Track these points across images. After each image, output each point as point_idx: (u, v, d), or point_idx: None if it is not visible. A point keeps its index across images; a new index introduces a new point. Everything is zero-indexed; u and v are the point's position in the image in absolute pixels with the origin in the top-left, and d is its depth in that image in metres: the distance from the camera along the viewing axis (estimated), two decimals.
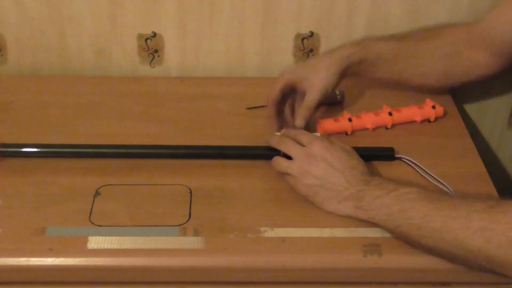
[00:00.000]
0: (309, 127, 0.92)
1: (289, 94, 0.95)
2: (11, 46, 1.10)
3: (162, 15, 1.07)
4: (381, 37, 0.97)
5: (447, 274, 0.75)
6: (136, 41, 1.10)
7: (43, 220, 0.78)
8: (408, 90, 1.03)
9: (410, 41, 0.97)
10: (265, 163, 0.86)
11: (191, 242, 0.76)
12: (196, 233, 0.77)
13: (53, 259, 0.73)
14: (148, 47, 1.11)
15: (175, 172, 0.87)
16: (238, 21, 1.08)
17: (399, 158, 0.90)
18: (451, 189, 0.83)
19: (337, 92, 1.01)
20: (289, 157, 0.83)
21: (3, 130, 0.95)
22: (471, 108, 1.17)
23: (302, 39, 1.11)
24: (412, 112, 0.98)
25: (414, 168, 0.88)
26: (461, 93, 1.11)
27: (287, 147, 0.83)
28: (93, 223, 0.78)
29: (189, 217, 0.79)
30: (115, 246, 0.75)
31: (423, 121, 0.98)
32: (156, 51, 1.11)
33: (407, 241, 0.74)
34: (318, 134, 0.93)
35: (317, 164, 0.80)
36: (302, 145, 0.83)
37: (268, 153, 0.87)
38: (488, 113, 1.18)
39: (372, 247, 0.75)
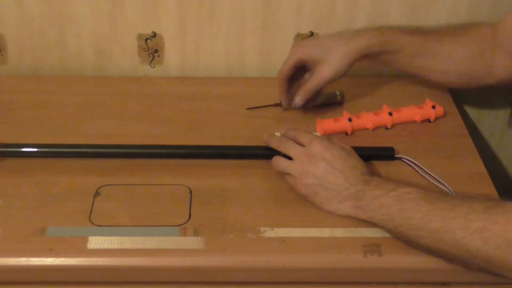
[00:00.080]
0: (309, 127, 0.92)
1: (301, 69, 0.95)
2: (11, 46, 1.10)
3: (162, 15, 1.07)
4: (404, 28, 0.95)
5: (446, 274, 0.75)
6: (136, 41, 1.10)
7: (43, 220, 0.78)
8: (408, 90, 1.04)
9: (434, 38, 0.95)
10: (265, 163, 0.86)
11: (191, 242, 0.76)
12: (196, 233, 0.77)
13: (53, 259, 0.73)
14: (148, 47, 1.11)
15: (175, 172, 0.87)
16: (238, 21, 1.08)
17: (399, 158, 0.90)
18: (451, 189, 0.83)
19: (337, 92, 1.01)
20: (289, 157, 0.83)
21: (3, 130, 0.95)
22: (471, 108, 1.17)
23: (302, 39, 1.10)
24: (412, 112, 0.98)
25: (414, 168, 0.88)
26: (461, 93, 1.11)
27: (287, 147, 0.83)
28: (93, 223, 0.78)
29: (189, 217, 0.79)
30: (115, 246, 0.75)
31: (423, 121, 0.98)
32: (156, 51, 1.11)
33: (406, 241, 0.74)
34: (318, 134, 0.93)
35: (317, 164, 0.80)
36: (302, 145, 0.83)
37: (268, 153, 0.87)
38: (488, 113, 1.18)
39: (372, 247, 0.75)
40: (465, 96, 1.14)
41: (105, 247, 0.75)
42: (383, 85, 1.05)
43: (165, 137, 0.94)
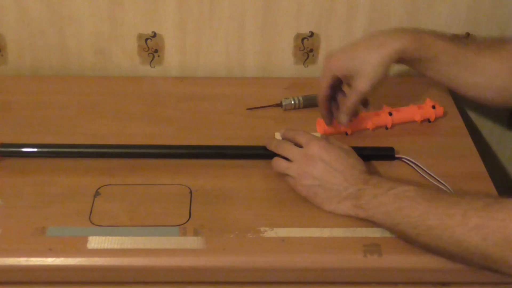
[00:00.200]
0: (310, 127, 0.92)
1: (338, 85, 0.91)
2: (11, 46, 1.10)
3: (162, 15, 1.07)
4: (439, 33, 0.89)
5: (446, 274, 0.75)
6: (136, 41, 1.10)
7: (43, 220, 0.78)
8: (408, 90, 1.03)
9: (471, 48, 0.89)
10: (265, 163, 0.86)
11: (191, 242, 0.76)
12: (196, 233, 0.77)
13: (53, 259, 0.73)
14: (148, 47, 1.11)
15: (175, 172, 0.87)
16: (238, 21, 1.08)
17: (399, 158, 0.90)
18: (450, 189, 0.83)
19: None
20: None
21: (3, 130, 0.95)
22: (471, 108, 1.17)
23: (302, 39, 1.10)
24: (412, 112, 0.98)
25: (414, 168, 0.88)
26: None
27: (285, 150, 0.83)
28: (93, 223, 0.78)
29: (189, 217, 0.79)
30: (115, 246, 0.75)
31: (423, 121, 0.98)
32: (156, 51, 1.11)
33: (406, 239, 0.74)
34: (318, 134, 0.93)
35: (315, 164, 0.80)
36: (300, 146, 0.83)
37: (268, 153, 0.86)
38: (488, 113, 1.18)
39: (372, 247, 0.75)
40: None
41: (105, 247, 0.75)
42: (383, 85, 1.05)
43: (165, 137, 0.94)
